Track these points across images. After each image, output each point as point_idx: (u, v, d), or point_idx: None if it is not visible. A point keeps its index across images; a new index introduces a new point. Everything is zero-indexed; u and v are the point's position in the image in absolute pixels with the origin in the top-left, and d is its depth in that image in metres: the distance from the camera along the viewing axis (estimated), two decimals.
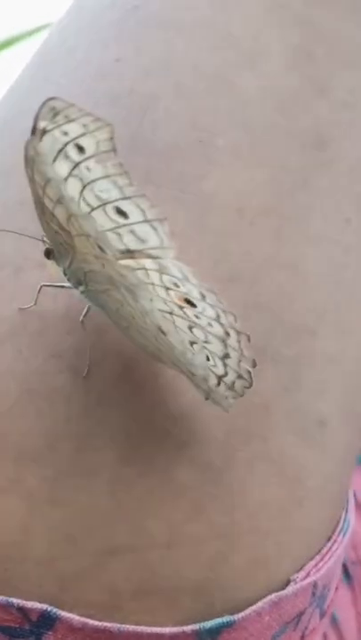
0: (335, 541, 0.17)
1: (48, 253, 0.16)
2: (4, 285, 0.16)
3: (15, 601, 0.15)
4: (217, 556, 0.15)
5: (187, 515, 0.15)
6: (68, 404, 0.15)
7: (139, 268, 0.15)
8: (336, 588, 0.19)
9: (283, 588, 0.16)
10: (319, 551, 0.17)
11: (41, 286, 0.16)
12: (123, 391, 0.16)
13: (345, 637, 0.23)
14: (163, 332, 0.15)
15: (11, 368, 0.16)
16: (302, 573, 0.16)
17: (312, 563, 0.17)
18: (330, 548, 0.17)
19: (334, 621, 0.22)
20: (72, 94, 0.18)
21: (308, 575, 0.16)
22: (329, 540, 0.17)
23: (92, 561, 0.15)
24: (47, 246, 0.16)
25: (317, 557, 0.17)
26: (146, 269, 0.15)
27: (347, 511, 0.18)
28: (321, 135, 0.18)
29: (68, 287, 0.16)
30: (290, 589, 0.16)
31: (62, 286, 0.16)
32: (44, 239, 0.16)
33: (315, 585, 0.17)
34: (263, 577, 0.16)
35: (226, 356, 0.15)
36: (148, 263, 0.15)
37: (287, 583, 0.16)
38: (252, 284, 0.16)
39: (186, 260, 0.16)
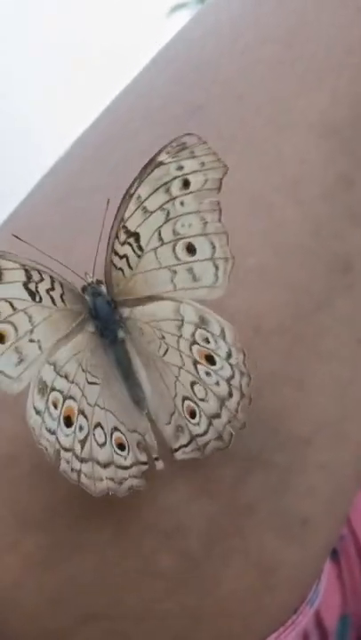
0: (301, 613, 0.18)
1: None
2: None
3: None
4: (183, 631, 0.17)
5: (161, 595, 0.17)
6: (68, 484, 0.16)
7: (175, 319, 0.15)
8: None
9: None
10: (283, 623, 0.18)
11: None
12: None
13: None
14: None
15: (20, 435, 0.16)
16: None
17: (274, 635, 0.17)
18: (294, 620, 0.18)
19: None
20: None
21: None
22: (295, 612, 0.18)
23: (72, 623, 0.17)
24: None
25: (281, 629, 0.17)
26: (183, 321, 0.15)
27: (318, 582, 0.19)
28: (349, 260, 0.18)
29: None
30: None
31: None
32: None
33: None
34: None
35: (216, 415, 0.16)
36: (189, 313, 0.16)
37: None
38: (255, 397, 0.17)
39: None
